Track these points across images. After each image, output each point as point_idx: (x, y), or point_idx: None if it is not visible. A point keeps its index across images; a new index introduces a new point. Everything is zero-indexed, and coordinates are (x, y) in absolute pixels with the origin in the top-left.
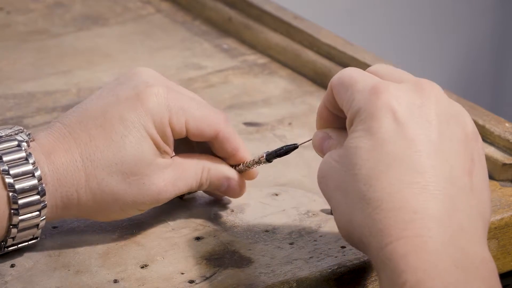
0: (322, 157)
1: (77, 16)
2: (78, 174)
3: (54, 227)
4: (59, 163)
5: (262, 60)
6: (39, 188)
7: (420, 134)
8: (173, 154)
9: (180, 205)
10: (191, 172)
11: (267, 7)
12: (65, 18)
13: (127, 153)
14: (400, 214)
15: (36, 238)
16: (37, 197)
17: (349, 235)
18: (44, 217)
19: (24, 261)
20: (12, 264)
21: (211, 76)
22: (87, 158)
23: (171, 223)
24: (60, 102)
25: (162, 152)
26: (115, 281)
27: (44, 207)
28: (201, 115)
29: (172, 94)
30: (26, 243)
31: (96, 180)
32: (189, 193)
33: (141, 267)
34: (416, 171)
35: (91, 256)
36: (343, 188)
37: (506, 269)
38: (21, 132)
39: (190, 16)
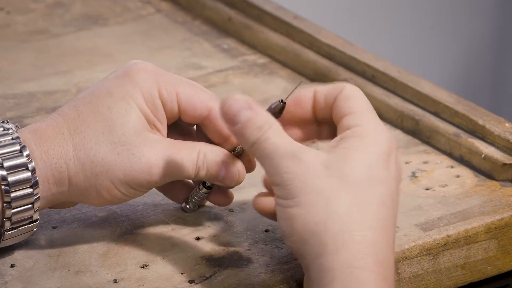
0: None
1: (77, 16)
2: (65, 145)
3: (54, 227)
4: (46, 137)
5: (262, 60)
6: (28, 165)
7: None
8: (166, 135)
9: (180, 205)
10: (186, 153)
11: (267, 7)
12: (65, 18)
13: (114, 122)
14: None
15: (36, 221)
16: (28, 173)
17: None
18: (38, 195)
19: (24, 261)
20: (12, 264)
21: (211, 76)
22: (74, 130)
23: (171, 223)
24: (60, 102)
25: (152, 126)
26: (115, 281)
27: (36, 184)
28: (192, 90)
29: (161, 71)
30: (26, 226)
31: (84, 150)
32: (194, 205)
33: (141, 267)
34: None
35: (91, 256)
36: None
37: (506, 269)
38: (6, 122)
39: (190, 16)
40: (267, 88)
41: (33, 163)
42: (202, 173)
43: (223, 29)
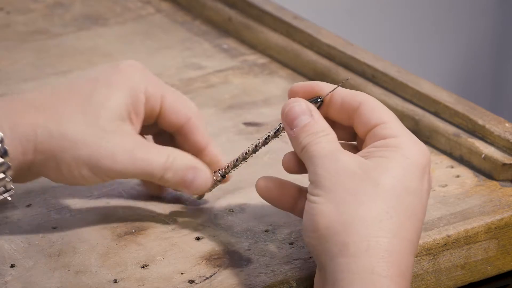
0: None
1: (77, 16)
2: (37, 116)
3: (54, 227)
4: (17, 109)
5: (262, 60)
6: None
7: None
8: (138, 131)
9: (180, 205)
10: (155, 152)
11: (267, 7)
12: (65, 18)
13: (91, 105)
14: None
15: (9, 190)
16: None
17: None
18: (9, 164)
19: (24, 261)
20: (12, 264)
21: (211, 76)
22: (49, 106)
23: (171, 223)
24: None
25: (127, 118)
26: (115, 281)
27: (6, 153)
28: (176, 96)
29: (150, 72)
30: (1, 196)
31: (56, 122)
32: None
33: (141, 267)
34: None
35: (91, 256)
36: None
37: (506, 269)
38: None
39: (190, 16)
40: (267, 88)
41: (1, 133)
42: (169, 175)
43: (223, 29)
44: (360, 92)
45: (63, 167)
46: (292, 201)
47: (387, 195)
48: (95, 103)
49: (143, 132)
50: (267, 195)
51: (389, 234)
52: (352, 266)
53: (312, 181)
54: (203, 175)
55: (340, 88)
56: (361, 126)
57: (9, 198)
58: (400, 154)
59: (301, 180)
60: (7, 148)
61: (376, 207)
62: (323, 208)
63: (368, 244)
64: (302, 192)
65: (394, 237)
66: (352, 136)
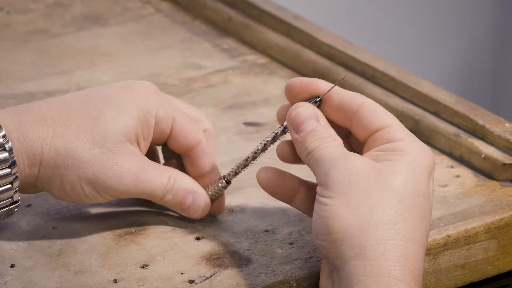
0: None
1: (77, 16)
2: (45, 131)
3: (54, 227)
4: (25, 121)
5: (262, 60)
6: (5, 146)
7: None
8: (144, 153)
9: None
10: (157, 174)
11: (267, 7)
12: (65, 18)
13: (99, 125)
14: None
15: (16, 202)
16: (5, 154)
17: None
18: (16, 175)
19: (24, 261)
20: (12, 264)
21: (211, 76)
22: (58, 121)
23: (171, 223)
24: None
25: (135, 139)
26: (115, 281)
27: (14, 164)
28: (188, 120)
29: (163, 95)
30: (8, 208)
31: (63, 140)
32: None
33: (141, 267)
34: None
35: (91, 256)
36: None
37: (506, 269)
38: None
39: (190, 16)
40: (267, 88)
41: (10, 144)
42: (169, 197)
43: (223, 29)
44: (359, 94)
45: (66, 185)
46: (291, 193)
47: (400, 198)
48: (103, 123)
49: (153, 142)
50: (267, 186)
51: (404, 237)
52: (369, 269)
53: (322, 183)
54: (201, 199)
55: (338, 88)
56: (361, 129)
57: (16, 210)
58: (408, 157)
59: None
60: (15, 158)
61: (390, 209)
62: (337, 211)
63: (385, 248)
64: (301, 184)
65: (408, 240)
66: (345, 137)
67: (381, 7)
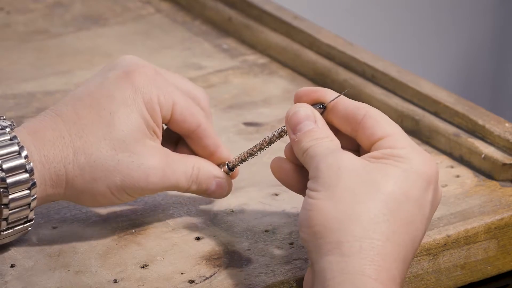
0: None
1: (77, 16)
2: (66, 149)
3: (54, 227)
4: (45, 140)
5: (262, 60)
6: (26, 167)
7: None
8: (161, 139)
9: (180, 205)
10: (181, 165)
11: (267, 7)
12: (65, 18)
13: (115, 128)
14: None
15: (31, 220)
16: (26, 175)
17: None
18: (35, 196)
19: (24, 261)
20: (12, 264)
21: (211, 76)
22: (75, 134)
23: (171, 223)
24: None
25: (151, 132)
26: (115, 281)
27: (34, 185)
28: (186, 103)
29: (160, 77)
30: (22, 226)
31: (85, 155)
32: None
33: (141, 267)
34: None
35: (91, 256)
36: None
37: (506, 269)
38: (2, 119)
39: (190, 16)
40: (267, 88)
41: (31, 164)
42: (194, 187)
43: (223, 29)
44: (364, 104)
45: (98, 196)
46: (302, 186)
47: (386, 199)
48: (118, 127)
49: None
50: (280, 176)
51: (383, 237)
52: (343, 266)
53: (312, 177)
54: (224, 183)
55: (344, 97)
56: (365, 139)
57: (30, 228)
58: (404, 162)
59: None
60: (35, 180)
61: (374, 208)
62: (321, 204)
63: (361, 246)
64: None
65: (388, 241)
66: (356, 147)
67: (381, 7)
